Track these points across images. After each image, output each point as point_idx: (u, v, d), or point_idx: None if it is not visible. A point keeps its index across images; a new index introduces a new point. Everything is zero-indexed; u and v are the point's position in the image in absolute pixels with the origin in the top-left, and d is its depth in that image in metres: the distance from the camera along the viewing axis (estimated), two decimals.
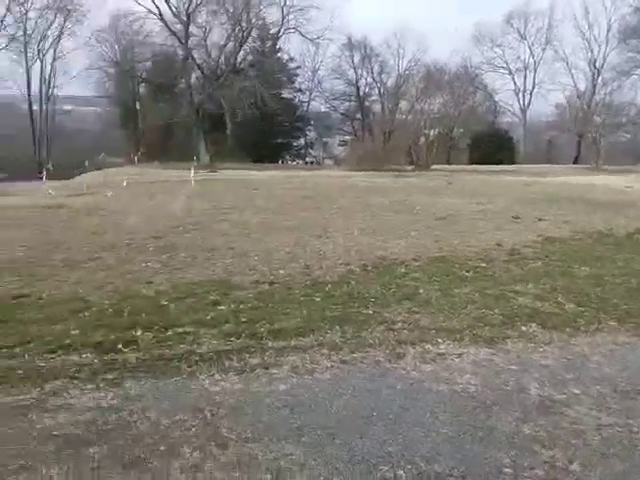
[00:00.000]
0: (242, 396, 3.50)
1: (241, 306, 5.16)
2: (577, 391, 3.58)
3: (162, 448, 2.91)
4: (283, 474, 2.73)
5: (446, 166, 31.96)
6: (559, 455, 2.89)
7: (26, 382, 3.61)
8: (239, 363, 3.96)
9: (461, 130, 48.91)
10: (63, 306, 5.05)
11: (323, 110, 54.98)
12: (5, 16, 39.49)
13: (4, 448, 2.89)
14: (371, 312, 5.05)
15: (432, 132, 49.48)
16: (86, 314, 4.86)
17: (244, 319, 4.80)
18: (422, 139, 41.03)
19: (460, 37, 65.03)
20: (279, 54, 48.63)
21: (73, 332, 4.39)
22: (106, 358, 3.97)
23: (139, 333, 4.41)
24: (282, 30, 44.10)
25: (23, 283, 5.88)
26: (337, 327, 4.65)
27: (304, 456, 2.86)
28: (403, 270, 6.61)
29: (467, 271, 6.56)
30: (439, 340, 4.42)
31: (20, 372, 3.74)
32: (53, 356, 4.00)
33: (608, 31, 47.43)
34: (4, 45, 40.39)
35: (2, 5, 39.10)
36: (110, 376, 3.71)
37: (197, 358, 4.02)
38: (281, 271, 6.48)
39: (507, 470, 2.76)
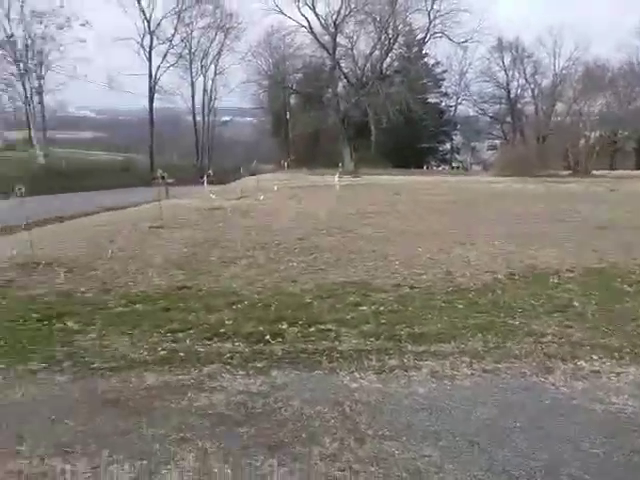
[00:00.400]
0: (380, 395, 3.55)
1: (381, 308, 5.23)
2: None
3: (303, 435, 3.07)
4: (420, 474, 2.73)
5: (609, 172, 29.13)
6: None
7: (187, 364, 4.01)
8: (378, 363, 4.03)
9: (626, 132, 44.50)
10: (219, 298, 5.53)
11: (471, 114, 53.44)
12: (173, 36, 44.09)
13: (168, 421, 3.24)
14: (517, 323, 4.82)
15: (592, 135, 45.69)
16: (239, 306, 5.27)
17: (384, 321, 4.86)
18: (581, 142, 37.92)
19: (624, 32, 58.86)
20: (425, 59, 48.27)
21: (227, 322, 4.79)
22: (255, 348, 4.27)
23: (285, 327, 4.68)
24: (428, 35, 43.80)
25: (186, 276, 6.52)
26: (480, 335, 4.51)
27: (441, 459, 2.83)
28: (555, 281, 6.19)
29: (630, 285, 5.96)
30: (594, 357, 4.09)
31: (182, 354, 4.16)
32: (210, 342, 4.40)
33: None
34: (173, 63, 45.05)
35: (171, 26, 43.72)
36: (259, 364, 3.99)
37: (338, 355, 4.16)
38: (423, 276, 6.44)
39: None
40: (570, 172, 24.53)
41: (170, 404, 3.44)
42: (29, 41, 36.12)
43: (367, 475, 2.72)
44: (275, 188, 17.94)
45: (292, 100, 48.94)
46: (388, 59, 43.57)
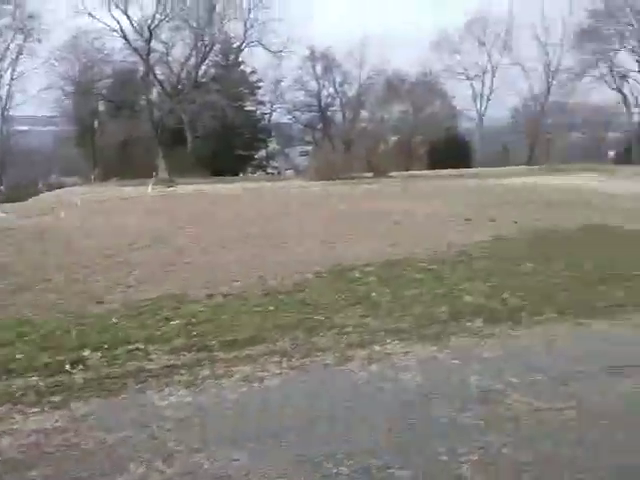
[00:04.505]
0: (191, 408, 3.53)
1: (193, 320, 5.18)
2: (514, 380, 3.74)
3: (107, 466, 2.92)
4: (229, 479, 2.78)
5: (405, 172, 32.49)
6: (493, 440, 3.01)
7: None
8: (189, 377, 3.99)
9: (420, 137, 49.98)
10: (8, 331, 4.95)
11: (285, 121, 55.38)
12: None
13: None
14: (323, 318, 5.13)
15: (391, 139, 50.39)
16: (33, 337, 4.78)
17: (195, 333, 4.82)
18: (381, 147, 41.64)
19: (422, 46, 66.64)
20: (241, 67, 48.91)
21: (18, 356, 4.33)
22: (52, 380, 3.92)
23: (87, 353, 4.38)
24: (245, 43, 44.65)
25: None
26: (289, 334, 4.71)
27: (250, 461, 2.91)
28: (357, 275, 6.72)
29: (418, 273, 6.72)
30: (387, 341, 4.53)
31: None
32: None
33: (563, 35, 49.05)
34: None
35: None
36: (56, 398, 3.68)
37: (147, 374, 4.02)
38: (236, 283, 6.51)
39: (443, 457, 2.87)
40: (372, 174, 26.78)
41: None
42: None
43: None
44: (79, 203, 16.62)
45: (101, 107, 45.87)
46: (204, 66, 43.28)
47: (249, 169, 49.49)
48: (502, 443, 2.99)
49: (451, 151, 41.87)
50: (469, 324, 4.87)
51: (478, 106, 54.63)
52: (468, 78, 54.19)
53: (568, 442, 3.02)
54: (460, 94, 54.22)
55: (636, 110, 47.74)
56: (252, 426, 3.28)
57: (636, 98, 47.21)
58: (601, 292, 5.88)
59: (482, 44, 53.12)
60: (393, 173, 28.64)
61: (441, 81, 53.57)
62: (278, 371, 4.04)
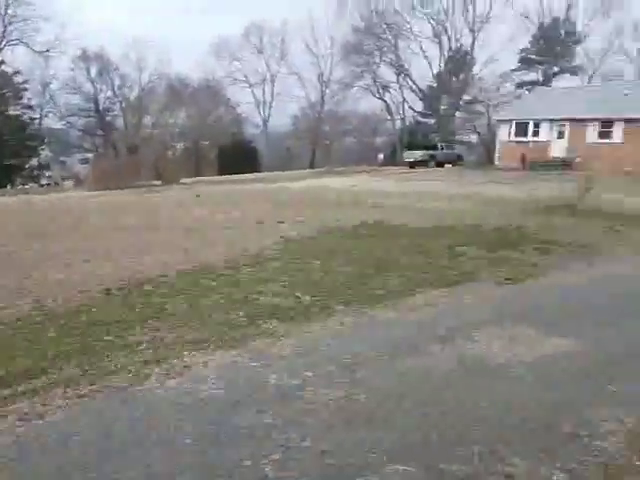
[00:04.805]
0: None
1: None
2: (310, 374, 3.93)
3: None
4: None
5: (195, 178, 32.15)
6: (294, 435, 3.12)
7: None
8: None
9: (207, 142, 50.04)
10: None
11: (59, 127, 50.72)
12: None
13: None
14: (113, 337, 4.78)
15: (179, 145, 49.59)
16: None
17: None
18: (169, 153, 40.68)
19: (201, 51, 66.67)
20: (2, 67, 43.34)
21: None
22: None
23: None
24: (4, 42, 39.68)
25: None
26: (75, 360, 4.29)
27: None
28: (149, 288, 6.41)
29: (213, 280, 6.68)
30: (185, 353, 4.41)
31: None
32: None
33: (332, 47, 53.36)
34: None
35: None
36: None
37: None
38: (6, 310, 5.71)
39: (246, 462, 2.88)
40: (161, 181, 25.84)
41: None
42: None
43: None
44: None
45: None
46: None
47: (19, 180, 44.00)
48: (302, 437, 3.12)
49: (239, 156, 42.68)
50: (266, 326, 5.00)
51: (261, 112, 56.83)
52: (250, 85, 55.95)
53: (361, 424, 3.28)
54: (244, 100, 55.80)
55: (397, 117, 54.57)
56: (31, 469, 2.90)
57: (397, 106, 53.92)
58: (380, 282, 6.54)
59: (260, 52, 55.37)
60: (184, 180, 28.06)
61: (224, 87, 54.44)
62: (63, 403, 3.64)
